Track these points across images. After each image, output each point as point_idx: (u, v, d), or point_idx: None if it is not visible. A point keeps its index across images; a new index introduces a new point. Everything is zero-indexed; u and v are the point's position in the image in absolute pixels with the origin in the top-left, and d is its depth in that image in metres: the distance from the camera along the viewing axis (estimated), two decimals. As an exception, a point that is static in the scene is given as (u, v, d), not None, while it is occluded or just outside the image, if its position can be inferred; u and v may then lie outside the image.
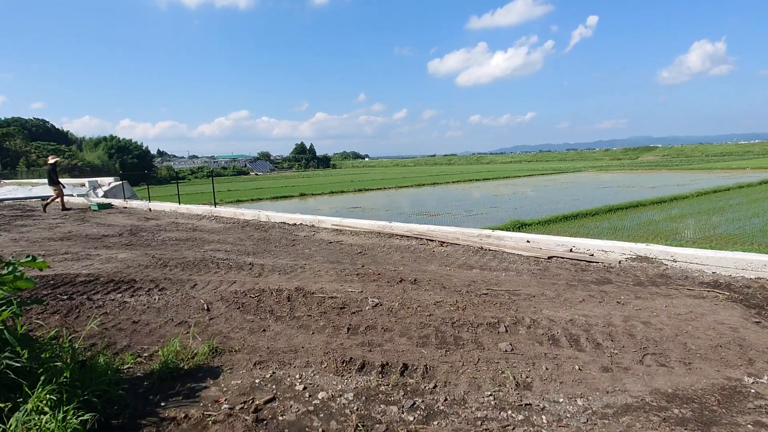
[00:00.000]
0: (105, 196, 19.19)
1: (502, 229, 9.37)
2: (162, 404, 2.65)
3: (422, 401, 2.68)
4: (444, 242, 7.73)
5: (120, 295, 4.90)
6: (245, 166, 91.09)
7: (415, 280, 5.31)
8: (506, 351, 3.32)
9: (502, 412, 2.55)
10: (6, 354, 2.36)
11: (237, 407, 2.61)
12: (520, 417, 2.51)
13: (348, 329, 3.79)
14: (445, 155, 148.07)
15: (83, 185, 22.84)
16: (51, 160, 14.90)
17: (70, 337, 2.89)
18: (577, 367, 3.07)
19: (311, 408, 2.62)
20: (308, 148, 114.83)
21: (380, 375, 2.99)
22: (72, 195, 21.28)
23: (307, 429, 2.43)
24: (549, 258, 6.36)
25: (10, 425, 2.11)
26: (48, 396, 2.21)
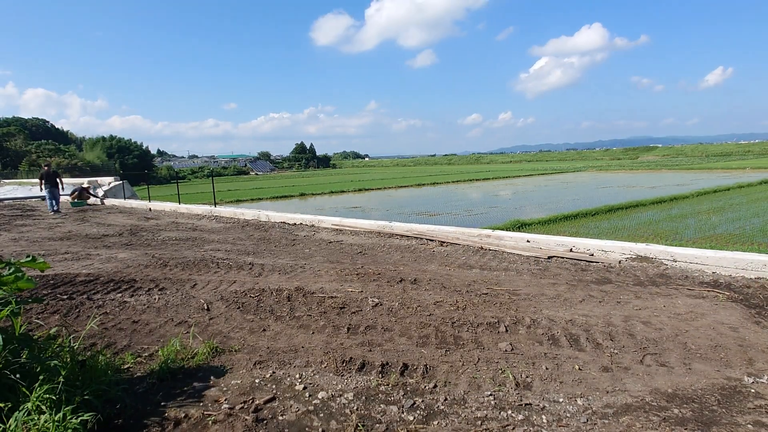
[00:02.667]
0: (105, 196, 19.25)
1: (502, 229, 9.38)
2: (162, 404, 2.65)
3: (422, 401, 2.68)
4: (444, 242, 7.73)
5: (120, 294, 4.90)
6: (245, 165, 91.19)
7: (415, 279, 5.30)
8: (506, 351, 3.32)
9: (502, 412, 2.55)
10: (5, 354, 2.36)
11: (237, 407, 2.61)
12: (520, 417, 2.50)
13: (348, 329, 3.79)
14: (445, 155, 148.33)
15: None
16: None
17: (69, 337, 2.88)
18: (577, 366, 3.07)
19: (311, 408, 2.62)
20: (308, 147, 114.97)
21: (380, 375, 2.99)
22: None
23: (307, 429, 2.42)
24: (549, 258, 6.36)
25: (10, 425, 2.11)
26: (47, 396, 2.21)
